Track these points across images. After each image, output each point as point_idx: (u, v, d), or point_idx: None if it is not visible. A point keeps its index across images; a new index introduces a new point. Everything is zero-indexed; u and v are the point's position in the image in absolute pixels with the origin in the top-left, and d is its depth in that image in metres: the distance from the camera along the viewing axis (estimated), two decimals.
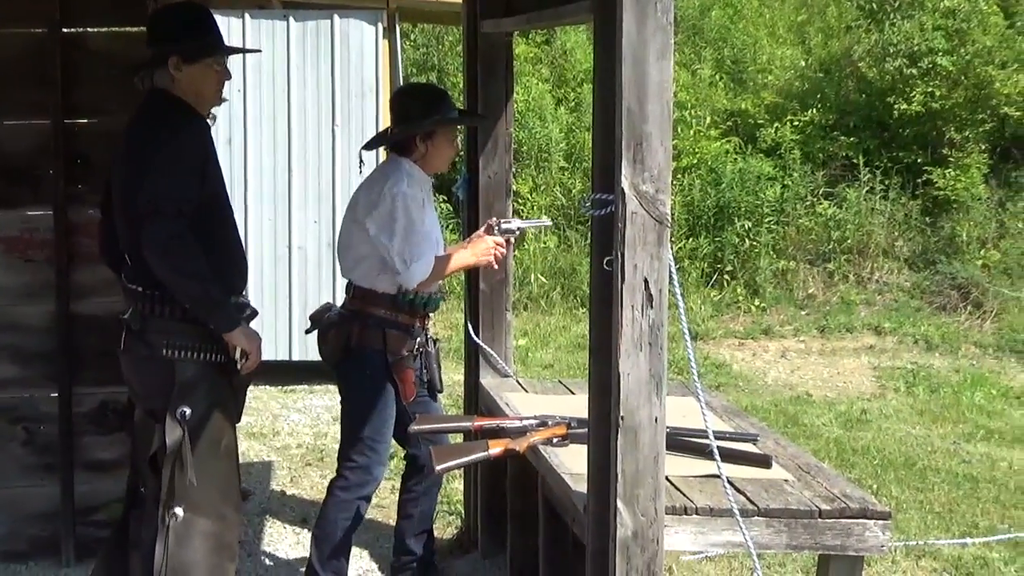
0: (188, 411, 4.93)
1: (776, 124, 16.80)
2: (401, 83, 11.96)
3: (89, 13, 6.53)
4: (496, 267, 6.43)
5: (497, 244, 6.27)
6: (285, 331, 11.16)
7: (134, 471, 5.33)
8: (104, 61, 6.39)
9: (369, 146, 6.54)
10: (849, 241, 15.77)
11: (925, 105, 16.23)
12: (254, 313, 5.29)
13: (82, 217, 6.42)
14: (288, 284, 11.11)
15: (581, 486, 4.52)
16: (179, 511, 4.99)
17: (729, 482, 4.46)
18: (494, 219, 6.47)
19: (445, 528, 7.54)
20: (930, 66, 16.36)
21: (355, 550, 6.47)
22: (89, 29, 6.59)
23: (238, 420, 5.28)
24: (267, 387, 10.89)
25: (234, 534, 5.26)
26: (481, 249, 6.26)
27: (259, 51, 8.56)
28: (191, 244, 4.83)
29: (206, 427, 5.00)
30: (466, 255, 6.26)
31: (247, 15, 10.94)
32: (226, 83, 5.22)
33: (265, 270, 10.98)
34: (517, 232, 6.50)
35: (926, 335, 13.95)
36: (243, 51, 7.24)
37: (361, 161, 6.69)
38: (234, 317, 5.01)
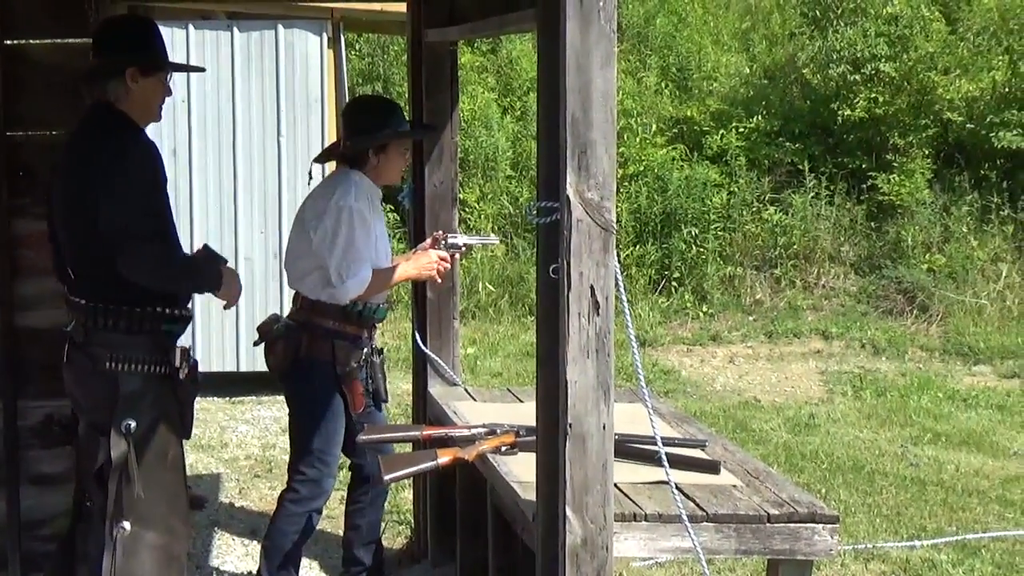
0: (133, 424, 4.89)
1: (722, 131, 16.84)
2: (346, 93, 11.93)
3: (30, 24, 6.47)
4: (439, 281, 6.43)
5: (441, 259, 6.27)
6: (232, 342, 11.11)
7: (80, 485, 5.28)
8: (46, 72, 6.33)
9: (321, 159, 6.54)
10: (795, 247, 15.84)
11: (869, 111, 16.33)
12: (212, 255, 5.21)
13: (26, 229, 6.36)
14: None
15: (530, 494, 4.52)
16: (126, 524, 4.95)
17: (678, 488, 4.46)
18: (440, 233, 6.47)
19: (395, 538, 7.53)
20: (873, 72, 16.46)
21: (305, 561, 6.46)
22: (31, 41, 6.53)
23: (188, 435, 5.25)
24: (214, 399, 10.85)
25: (182, 546, 5.22)
26: (424, 263, 6.26)
27: (203, 69, 8.57)
28: (171, 257, 4.97)
29: (152, 439, 4.97)
30: (408, 268, 6.26)
31: (191, 26, 10.91)
32: (175, 95, 5.22)
33: None
34: (463, 247, 6.49)
35: (873, 339, 14.03)
36: (189, 68, 7.25)
37: (310, 175, 6.68)
38: (216, 277, 5.04)
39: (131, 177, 4.88)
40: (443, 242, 6.38)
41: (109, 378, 4.93)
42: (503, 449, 5.30)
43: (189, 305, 5.24)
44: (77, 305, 4.99)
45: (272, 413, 10.43)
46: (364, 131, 6.05)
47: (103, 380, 4.94)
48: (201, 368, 10.60)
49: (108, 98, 5.03)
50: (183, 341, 5.23)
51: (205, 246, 5.28)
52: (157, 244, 4.89)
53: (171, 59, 5.50)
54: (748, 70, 18.61)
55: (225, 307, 5.20)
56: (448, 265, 6.37)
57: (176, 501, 5.15)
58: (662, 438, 4.49)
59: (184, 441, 5.22)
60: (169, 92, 5.22)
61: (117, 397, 4.91)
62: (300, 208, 6.19)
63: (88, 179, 4.86)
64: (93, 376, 4.98)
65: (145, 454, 4.95)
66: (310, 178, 6.65)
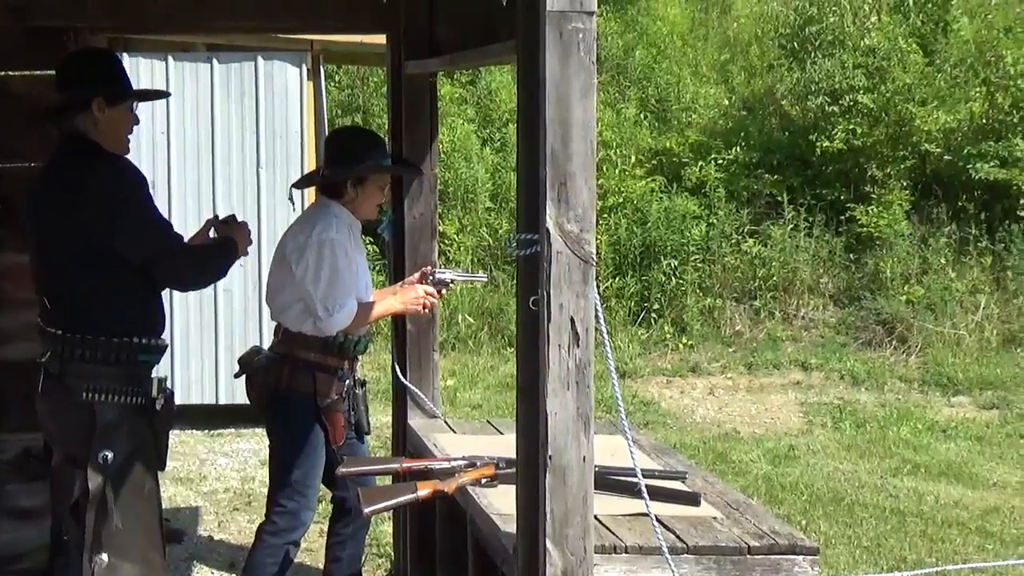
0: (110, 455, 4.88)
1: (700, 162, 16.90)
2: (326, 125, 11.94)
3: (9, 56, 6.49)
4: (424, 314, 6.42)
5: (428, 293, 6.26)
6: (212, 374, 11.08)
7: (56, 518, 5.26)
8: (24, 104, 6.33)
9: (299, 185, 6.54)
10: (775, 278, 15.87)
11: (847, 142, 16.40)
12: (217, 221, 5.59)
13: (4, 262, 6.36)
14: (215, 327, 11.04)
15: (510, 526, 4.50)
16: (104, 557, 4.92)
17: (658, 520, 4.45)
18: (429, 267, 6.47)
19: (375, 571, 7.50)
20: (851, 104, 16.54)
21: None
22: (10, 72, 6.54)
23: (163, 465, 5.23)
24: (194, 431, 10.81)
25: None
26: (410, 297, 6.25)
27: (169, 94, 8.58)
28: (198, 257, 5.33)
29: (129, 471, 4.96)
30: (394, 302, 6.25)
31: (171, 57, 10.90)
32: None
33: (191, 313, 10.91)
34: (450, 283, 6.49)
35: (852, 370, 14.05)
36: (154, 96, 7.27)
37: (291, 199, 6.68)
38: (233, 247, 5.35)
39: (132, 203, 4.97)
40: (431, 277, 6.37)
41: (85, 409, 4.92)
42: (483, 481, 5.28)
43: (164, 335, 5.24)
44: (53, 336, 4.99)
45: (251, 446, 10.39)
46: (344, 162, 6.05)
47: (79, 411, 4.92)
48: (180, 400, 10.59)
49: (78, 129, 5.05)
50: (163, 372, 5.24)
51: (216, 217, 5.69)
52: (181, 251, 5.16)
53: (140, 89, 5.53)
54: (727, 102, 18.67)
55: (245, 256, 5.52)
56: (435, 300, 6.36)
57: (153, 533, 5.13)
58: (642, 470, 4.47)
59: (160, 473, 5.21)
60: (136, 121, 5.26)
61: (94, 428, 4.90)
62: (280, 241, 6.18)
63: (73, 211, 4.88)
64: (69, 407, 4.97)
65: (122, 486, 4.94)
66: (291, 203, 6.65)
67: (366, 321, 6.13)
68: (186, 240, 5.41)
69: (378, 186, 6.15)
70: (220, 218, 5.61)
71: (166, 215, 10.62)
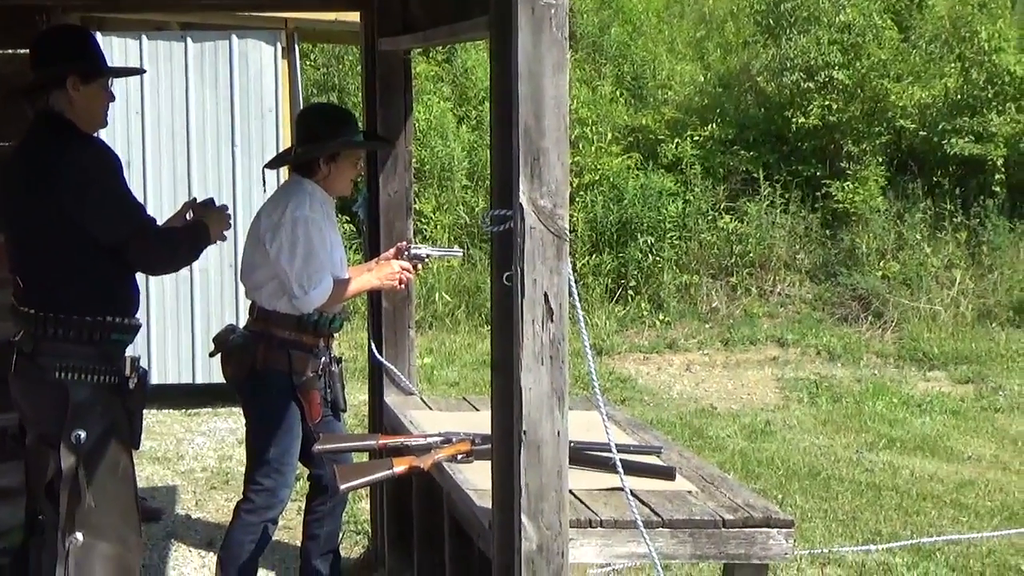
0: (83, 434, 4.87)
1: (677, 139, 16.92)
2: (300, 103, 11.91)
3: None
4: (400, 289, 6.42)
5: (404, 268, 6.25)
6: (188, 354, 11.07)
7: (31, 498, 5.26)
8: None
9: (271, 165, 6.52)
10: (751, 255, 15.91)
11: (823, 119, 16.44)
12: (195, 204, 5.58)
13: None
14: (191, 306, 11.03)
15: (486, 501, 4.52)
16: (79, 536, 4.92)
17: (633, 494, 4.48)
18: (404, 243, 6.46)
19: (352, 548, 7.52)
20: (827, 80, 16.57)
21: (262, 572, 6.42)
22: None
23: (137, 444, 5.23)
24: (171, 411, 10.80)
25: (136, 557, 5.20)
26: (386, 273, 6.24)
27: (144, 71, 8.54)
28: (170, 240, 5.25)
29: (102, 450, 4.95)
30: (370, 278, 6.25)
31: (144, 36, 10.86)
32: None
33: (167, 292, 10.89)
34: (426, 258, 6.48)
35: (828, 346, 14.10)
36: (128, 72, 7.25)
37: (263, 181, 6.66)
38: (205, 232, 5.30)
39: (104, 185, 4.96)
40: (406, 252, 6.36)
41: (58, 388, 4.91)
42: (459, 457, 5.30)
43: (138, 314, 5.24)
44: (26, 315, 4.98)
45: (228, 425, 10.39)
46: (315, 139, 6.03)
47: (52, 390, 4.92)
48: (157, 380, 10.61)
49: (52, 109, 5.03)
50: (137, 351, 5.23)
51: (194, 199, 5.67)
52: (153, 234, 5.10)
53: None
54: (703, 78, 18.68)
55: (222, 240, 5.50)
56: (411, 276, 6.35)
57: (128, 512, 5.13)
58: (617, 445, 4.50)
59: (136, 452, 5.21)
60: (112, 97, 5.23)
61: (67, 407, 4.89)
62: (255, 219, 6.17)
63: (50, 188, 4.86)
64: (42, 386, 4.96)
65: (96, 465, 4.93)
66: (263, 184, 6.64)
67: (342, 298, 6.13)
68: (162, 222, 5.40)
69: (351, 162, 6.14)
70: (198, 201, 5.60)
71: (141, 195, 10.72)
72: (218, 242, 5.47)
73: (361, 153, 6.33)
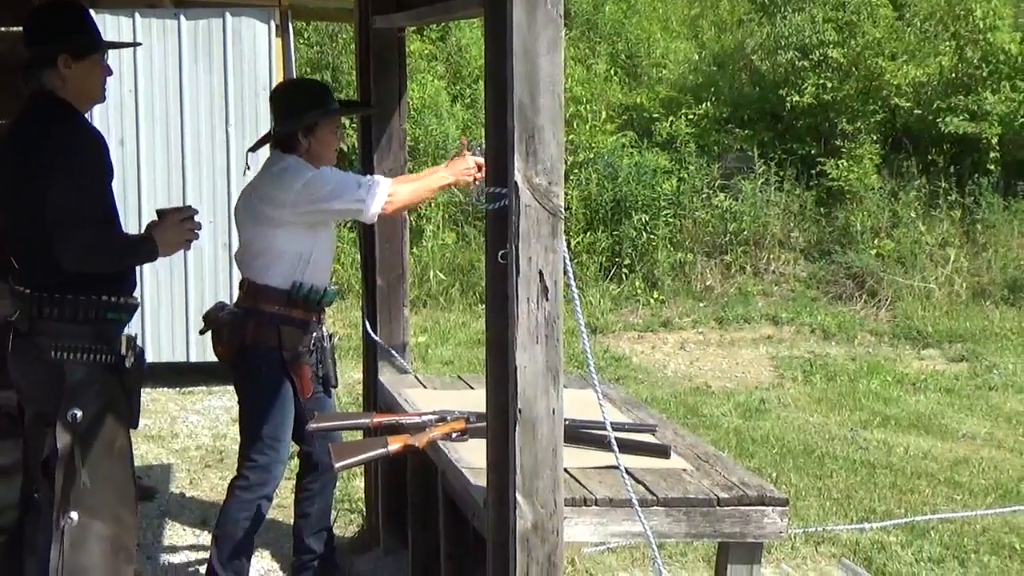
0: (79, 413, 4.87)
1: (671, 118, 16.90)
2: None
3: None
4: (475, 184, 6.18)
5: (478, 165, 6.03)
6: (182, 332, 11.07)
7: (27, 476, 5.25)
8: None
9: (254, 148, 6.49)
10: (745, 233, 15.90)
11: (817, 97, 16.44)
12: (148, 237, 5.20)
13: None
14: (184, 285, 11.02)
15: (481, 480, 4.52)
16: (74, 515, 4.92)
17: (628, 473, 4.47)
18: (464, 139, 6.39)
19: (347, 526, 7.52)
20: (821, 58, 16.56)
21: (256, 550, 6.43)
22: None
23: (135, 423, 5.22)
24: (165, 389, 10.81)
25: (131, 536, 5.20)
26: (461, 168, 6.12)
27: (139, 44, 8.48)
28: (102, 242, 4.95)
29: (98, 429, 4.94)
30: (445, 174, 6.15)
31: (137, 14, 10.82)
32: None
33: (160, 271, 10.87)
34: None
35: (823, 324, 14.11)
36: (123, 45, 7.18)
37: (247, 165, 6.64)
38: (150, 250, 5.08)
39: (76, 164, 4.87)
40: (478, 148, 6.04)
41: (54, 367, 4.90)
42: (453, 435, 5.29)
43: (135, 293, 5.21)
44: (21, 294, 4.96)
45: (222, 403, 10.39)
46: (291, 113, 6.00)
47: (48, 369, 4.91)
48: (151, 359, 10.56)
49: (46, 87, 5.00)
50: (132, 330, 5.21)
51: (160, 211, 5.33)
52: (91, 230, 4.88)
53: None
54: (697, 57, 18.67)
55: (185, 250, 5.32)
56: (481, 175, 5.89)
57: (124, 491, 5.12)
58: (612, 423, 4.50)
59: (133, 431, 5.20)
60: (109, 72, 5.17)
61: (63, 386, 4.89)
62: (245, 196, 6.13)
63: (34, 168, 4.84)
64: (38, 365, 4.95)
65: (92, 444, 4.92)
66: (247, 168, 6.61)
67: (416, 195, 6.17)
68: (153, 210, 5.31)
69: (331, 131, 6.10)
70: (161, 211, 5.39)
71: (134, 174, 10.70)
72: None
73: (339, 121, 6.30)
